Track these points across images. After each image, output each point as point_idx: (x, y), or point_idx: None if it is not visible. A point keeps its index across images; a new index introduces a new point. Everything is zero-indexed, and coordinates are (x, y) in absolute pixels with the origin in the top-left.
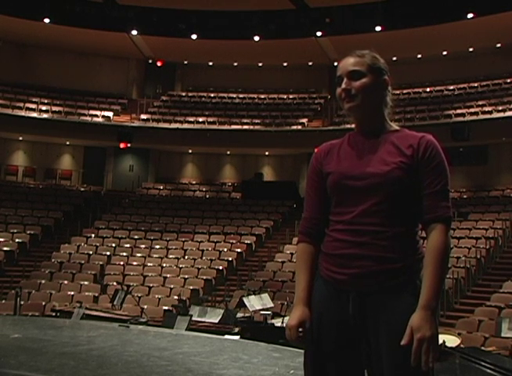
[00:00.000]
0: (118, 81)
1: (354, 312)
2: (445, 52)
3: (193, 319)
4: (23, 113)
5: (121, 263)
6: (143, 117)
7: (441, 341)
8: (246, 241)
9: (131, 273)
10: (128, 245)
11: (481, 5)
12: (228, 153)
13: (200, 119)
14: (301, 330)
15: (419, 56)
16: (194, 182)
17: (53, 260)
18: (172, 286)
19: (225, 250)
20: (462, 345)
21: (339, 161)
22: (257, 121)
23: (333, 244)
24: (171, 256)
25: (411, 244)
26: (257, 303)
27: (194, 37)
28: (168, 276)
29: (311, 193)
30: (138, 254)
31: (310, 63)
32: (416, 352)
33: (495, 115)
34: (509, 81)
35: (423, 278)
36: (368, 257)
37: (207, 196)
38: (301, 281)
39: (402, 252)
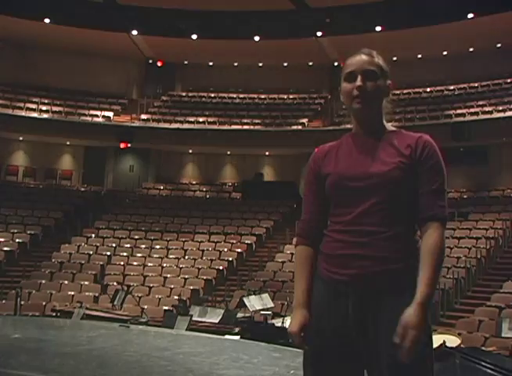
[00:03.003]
0: (118, 81)
1: (353, 312)
2: (445, 52)
3: (194, 319)
4: (23, 113)
5: (121, 263)
6: (143, 117)
7: (441, 341)
8: (246, 241)
9: (132, 273)
10: (128, 245)
11: (481, 5)
12: (229, 153)
13: (201, 119)
14: (303, 334)
15: (419, 56)
16: (194, 183)
17: (53, 260)
18: (172, 286)
19: (226, 250)
20: (462, 345)
21: (338, 162)
22: (257, 121)
23: (333, 245)
24: (171, 256)
25: (410, 244)
26: (257, 303)
27: (194, 37)
28: (168, 276)
29: (309, 195)
30: (139, 255)
31: (310, 63)
32: (409, 344)
33: (496, 115)
34: (509, 81)
35: (418, 276)
36: (368, 257)
37: (208, 196)
38: (300, 284)
39: (402, 252)
